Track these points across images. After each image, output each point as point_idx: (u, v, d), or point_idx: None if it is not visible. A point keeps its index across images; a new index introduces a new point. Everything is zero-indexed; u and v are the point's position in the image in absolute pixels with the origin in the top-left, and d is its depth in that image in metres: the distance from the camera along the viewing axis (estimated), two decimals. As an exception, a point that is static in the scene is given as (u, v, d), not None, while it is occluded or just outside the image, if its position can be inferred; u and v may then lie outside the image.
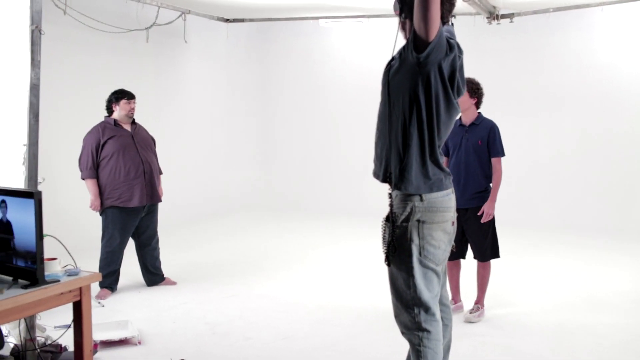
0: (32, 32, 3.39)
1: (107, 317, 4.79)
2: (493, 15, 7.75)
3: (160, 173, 5.70)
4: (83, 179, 5.34)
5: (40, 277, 2.86)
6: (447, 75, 2.67)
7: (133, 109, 5.44)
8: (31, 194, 2.81)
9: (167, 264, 5.88)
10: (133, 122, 5.52)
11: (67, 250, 3.17)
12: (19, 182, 3.60)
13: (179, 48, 8.54)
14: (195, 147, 9.15)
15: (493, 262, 4.85)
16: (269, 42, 10.16)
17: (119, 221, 5.35)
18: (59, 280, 2.96)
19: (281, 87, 10.26)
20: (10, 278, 2.96)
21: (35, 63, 3.40)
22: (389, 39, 9.88)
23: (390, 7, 8.65)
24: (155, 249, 5.65)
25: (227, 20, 8.98)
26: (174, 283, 5.71)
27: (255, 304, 5.22)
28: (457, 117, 3.85)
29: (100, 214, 5.41)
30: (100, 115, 5.53)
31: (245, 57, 10.09)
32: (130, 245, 5.58)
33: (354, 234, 8.14)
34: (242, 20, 9.05)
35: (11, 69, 4.05)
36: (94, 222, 5.61)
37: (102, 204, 5.33)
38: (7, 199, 2.93)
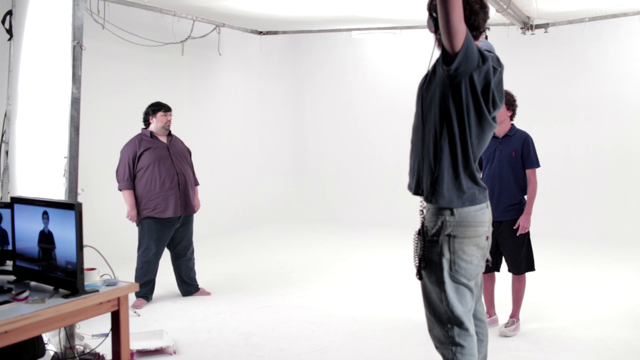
0: (74, 47, 3.48)
1: (143, 326, 4.85)
2: (527, 26, 7.69)
3: (196, 184, 5.77)
4: (120, 190, 5.43)
5: (80, 287, 2.91)
6: (479, 87, 2.65)
7: (169, 121, 5.53)
8: (72, 206, 2.87)
9: (201, 274, 5.94)
10: (169, 134, 5.60)
11: (105, 260, 3.22)
12: (59, 193, 3.69)
13: (213, 60, 8.66)
14: (228, 158, 9.24)
15: (528, 275, 4.79)
16: (301, 54, 10.24)
17: (155, 232, 5.43)
18: (98, 290, 3.01)
19: (314, 98, 10.32)
20: (51, 287, 3.03)
21: (76, 78, 3.49)
22: (422, 50, 9.89)
23: (424, 18, 8.62)
24: (191, 260, 5.71)
25: (260, 33, 9.08)
26: (208, 293, 5.76)
27: (288, 315, 5.23)
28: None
29: (137, 225, 5.49)
30: (137, 127, 5.63)
31: (278, 69, 10.18)
32: (166, 255, 5.65)
33: (386, 245, 8.11)
34: (275, 33, 9.15)
35: (53, 84, 4.17)
36: (130, 233, 5.70)
37: (138, 214, 5.41)
38: (49, 210, 3.00)
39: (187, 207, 5.53)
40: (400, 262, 7.05)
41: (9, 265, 3.49)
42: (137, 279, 5.39)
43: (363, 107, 9.89)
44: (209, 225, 7.99)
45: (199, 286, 5.77)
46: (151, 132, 5.50)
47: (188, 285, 5.70)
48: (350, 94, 9.98)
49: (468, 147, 2.68)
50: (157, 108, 5.50)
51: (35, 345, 3.20)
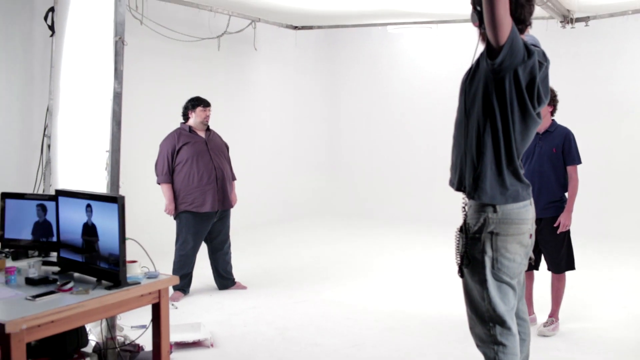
0: (116, 43, 3.52)
1: (180, 319, 4.90)
2: (567, 19, 7.54)
3: (234, 179, 5.81)
4: (159, 184, 5.50)
5: (123, 279, 2.96)
6: (524, 83, 2.60)
7: (208, 116, 5.57)
8: (115, 199, 2.92)
9: (237, 268, 5.97)
10: (208, 129, 5.65)
11: (146, 253, 3.26)
12: (101, 187, 3.74)
13: (249, 55, 8.69)
14: (263, 153, 9.28)
15: (568, 274, 4.71)
16: (337, 48, 10.22)
17: (192, 226, 5.48)
18: (139, 283, 3.05)
19: (349, 93, 10.29)
20: (94, 279, 3.08)
21: (118, 73, 3.53)
22: (459, 45, 9.78)
23: (460, 12, 8.52)
24: (227, 254, 5.75)
25: (295, 28, 9.08)
26: (244, 287, 5.80)
27: (324, 310, 5.23)
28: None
29: (175, 218, 5.55)
30: (175, 121, 5.69)
31: (314, 64, 10.18)
32: (203, 249, 5.69)
33: (420, 241, 8.06)
34: (310, 28, 9.14)
35: (94, 79, 4.23)
36: (168, 226, 5.75)
37: (176, 208, 5.47)
38: (93, 203, 3.05)
39: (224, 202, 5.57)
40: (435, 259, 7.01)
41: (53, 256, 3.57)
42: (174, 272, 5.45)
43: (398, 102, 9.82)
44: (244, 220, 8.02)
45: (235, 280, 5.81)
46: (190, 127, 5.54)
47: (224, 279, 5.75)
48: (386, 89, 9.92)
49: (512, 143, 2.64)
50: (196, 103, 5.54)
51: (79, 335, 3.26)
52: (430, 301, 5.46)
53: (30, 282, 3.05)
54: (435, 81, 9.35)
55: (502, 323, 2.67)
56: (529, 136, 2.72)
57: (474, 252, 2.68)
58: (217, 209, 5.51)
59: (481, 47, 2.69)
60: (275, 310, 5.21)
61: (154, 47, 7.21)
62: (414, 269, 6.63)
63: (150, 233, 6.11)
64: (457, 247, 2.73)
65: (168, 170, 5.45)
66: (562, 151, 4.56)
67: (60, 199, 3.24)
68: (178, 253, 5.51)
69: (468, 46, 9.09)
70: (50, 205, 3.44)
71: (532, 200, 2.78)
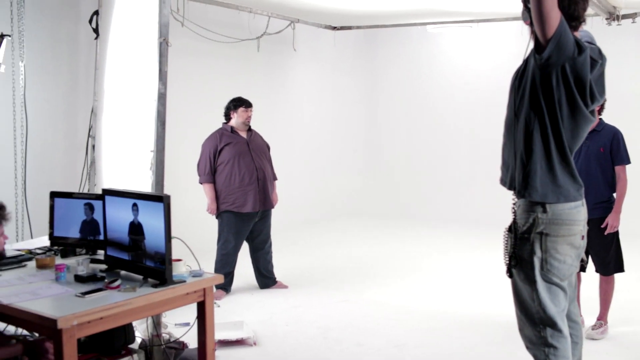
0: (160, 44, 3.56)
1: (223, 317, 4.92)
2: (613, 16, 7.35)
3: (275, 179, 5.83)
4: (201, 184, 5.55)
5: (169, 278, 2.98)
6: (572, 79, 2.53)
7: (250, 117, 5.60)
8: (161, 198, 2.95)
9: (278, 268, 5.98)
10: (249, 129, 5.67)
11: (191, 252, 3.28)
12: (146, 186, 3.79)
13: (287, 56, 8.71)
14: (302, 153, 9.29)
15: (617, 276, 4.59)
16: (375, 48, 10.16)
17: (234, 225, 5.51)
18: (185, 281, 3.07)
19: (387, 93, 10.22)
20: (140, 277, 3.12)
21: (162, 74, 3.57)
22: (499, 43, 9.63)
23: (502, 11, 8.36)
24: (268, 253, 5.77)
25: (334, 28, 9.07)
26: (285, 287, 5.81)
27: (366, 310, 5.21)
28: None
29: (216, 218, 5.59)
30: (215, 121, 5.73)
31: (352, 64, 10.15)
32: (244, 248, 5.72)
33: (461, 242, 7.96)
34: (349, 28, 9.11)
35: (138, 80, 4.30)
36: (210, 225, 5.79)
37: (217, 208, 5.51)
38: (139, 202, 3.08)
39: (265, 202, 5.59)
40: (477, 260, 6.92)
41: (100, 254, 3.62)
42: (216, 270, 5.49)
43: (437, 102, 9.72)
44: (284, 219, 8.03)
45: (277, 279, 5.83)
46: (232, 127, 5.58)
47: (266, 278, 5.76)
48: (425, 89, 9.82)
49: (563, 140, 2.58)
50: (238, 104, 5.58)
51: (126, 332, 3.30)
52: (472, 302, 5.39)
53: (79, 279, 3.10)
54: (475, 81, 9.23)
55: (553, 325, 2.61)
56: (580, 134, 2.65)
57: (523, 253, 2.63)
58: (258, 210, 5.53)
59: (531, 45, 2.63)
60: (317, 310, 5.21)
61: (195, 49, 7.27)
62: (455, 270, 6.55)
63: (192, 232, 6.19)
64: (506, 247, 2.68)
65: (210, 170, 5.49)
66: (610, 151, 4.44)
67: (107, 198, 3.29)
68: (220, 252, 5.56)
69: (508, 45, 9.08)
70: (98, 204, 3.49)
71: (584, 200, 2.71)
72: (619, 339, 4.46)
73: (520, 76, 2.66)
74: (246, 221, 5.55)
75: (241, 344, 4.37)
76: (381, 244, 7.97)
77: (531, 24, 2.55)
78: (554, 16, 2.39)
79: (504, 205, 9.44)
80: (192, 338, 3.85)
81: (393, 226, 9.11)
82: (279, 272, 5.94)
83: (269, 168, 5.73)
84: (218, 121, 5.73)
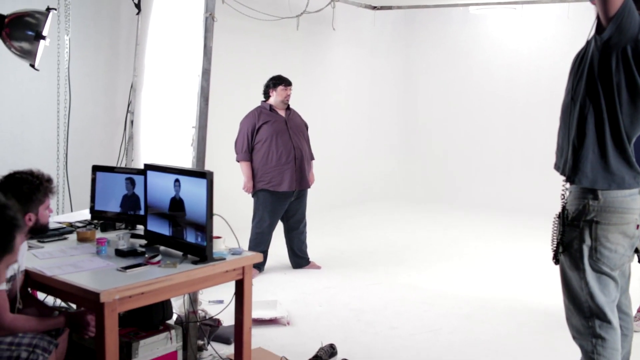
0: (206, 19, 3.53)
1: (257, 296, 4.91)
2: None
3: (312, 159, 5.80)
4: (238, 161, 5.54)
5: (209, 254, 2.98)
6: (634, 62, 2.43)
7: (289, 95, 5.56)
8: (204, 174, 2.93)
9: (311, 248, 5.97)
10: (288, 108, 5.64)
11: (231, 229, 3.28)
12: (187, 162, 3.79)
13: (327, 35, 8.63)
14: (338, 134, 9.23)
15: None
16: (415, 30, 9.98)
17: (269, 204, 5.51)
18: (224, 259, 3.07)
19: (427, 76, 10.06)
20: (180, 253, 3.12)
21: (207, 49, 3.55)
22: (544, 26, 9.38)
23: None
24: (303, 233, 5.76)
25: (374, 8, 8.96)
26: (318, 267, 5.80)
27: (399, 293, 5.18)
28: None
29: (252, 196, 5.59)
30: (254, 99, 5.71)
31: (391, 45, 10.00)
32: (278, 227, 5.72)
33: (495, 228, 7.87)
34: (389, 8, 8.99)
35: (180, 56, 4.29)
36: (246, 203, 5.80)
37: (254, 186, 5.50)
38: (181, 177, 3.08)
39: (302, 182, 5.57)
40: (514, 247, 6.84)
41: (139, 229, 3.64)
42: (250, 249, 5.49)
43: (477, 86, 9.53)
44: (318, 200, 8.02)
45: (310, 259, 5.82)
46: (270, 106, 5.55)
47: (299, 257, 5.77)
48: (464, 73, 9.63)
49: (620, 126, 2.49)
50: (278, 82, 5.54)
51: (165, 308, 3.32)
52: (508, 290, 5.32)
53: (119, 253, 3.12)
54: (518, 65, 9.03)
55: (602, 315, 2.54)
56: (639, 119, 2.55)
57: (572, 240, 2.55)
58: (294, 189, 5.52)
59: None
60: (350, 292, 5.19)
61: (235, 26, 7.23)
62: (490, 256, 6.47)
63: (228, 209, 6.21)
64: (554, 233, 2.61)
65: (247, 148, 5.48)
66: None
67: (149, 173, 3.29)
68: (254, 231, 5.56)
69: (553, 28, 8.82)
70: (139, 179, 3.50)
71: None
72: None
73: (580, 59, 2.56)
74: (282, 200, 5.54)
75: (275, 322, 4.38)
76: (415, 228, 7.91)
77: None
78: None
79: (540, 191, 9.33)
80: (226, 316, 3.89)
81: (427, 210, 9.04)
82: (312, 252, 5.94)
83: (306, 147, 5.71)
84: (256, 99, 5.71)
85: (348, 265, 5.99)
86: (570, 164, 2.58)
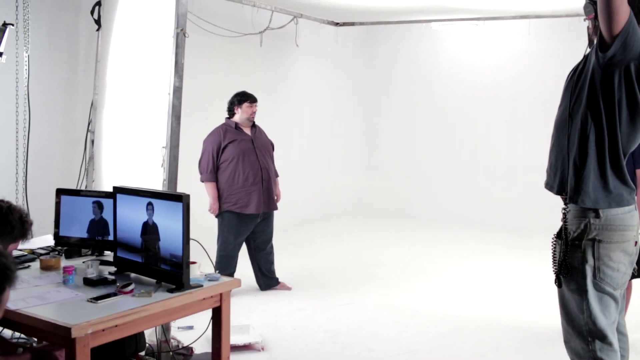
0: (177, 35, 3.40)
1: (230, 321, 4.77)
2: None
3: (277, 176, 5.67)
4: (202, 182, 5.36)
5: (186, 282, 2.83)
6: (637, 79, 2.39)
7: (254, 112, 5.41)
8: (180, 197, 2.79)
9: (278, 268, 5.77)
10: (253, 125, 5.50)
11: (207, 254, 3.15)
12: (156, 184, 3.63)
13: (290, 51, 8.55)
14: (301, 150, 9.13)
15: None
16: (378, 45, 9.99)
17: (234, 226, 5.33)
18: (202, 286, 2.92)
19: (389, 90, 10.06)
20: (153, 281, 2.96)
21: (179, 66, 3.42)
22: (505, 43, 9.45)
23: (509, 8, 8.20)
24: (270, 254, 5.60)
25: (337, 24, 8.94)
26: (289, 288, 5.65)
27: (373, 313, 5.08)
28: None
29: (216, 217, 5.41)
30: (215, 116, 5.55)
31: (354, 61, 9.98)
32: (243, 249, 5.54)
33: (462, 243, 7.85)
34: (352, 24, 8.99)
35: (147, 74, 4.13)
36: (211, 225, 5.61)
37: (219, 207, 5.33)
38: (154, 201, 2.92)
39: (269, 204, 5.42)
40: (480, 262, 6.83)
41: (107, 255, 3.46)
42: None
43: (439, 100, 9.58)
44: (282, 218, 7.87)
45: (279, 280, 5.67)
46: (236, 123, 5.40)
47: (268, 278, 5.60)
48: (426, 88, 9.68)
49: (618, 144, 2.44)
50: (243, 99, 5.39)
51: (137, 339, 3.14)
52: (482, 306, 5.27)
53: (88, 282, 2.93)
54: (479, 80, 9.12)
55: (603, 338, 2.48)
56: (637, 138, 2.51)
57: (573, 261, 2.49)
58: (261, 211, 5.36)
59: (587, 41, 2.50)
60: (323, 313, 5.06)
61: (197, 42, 7.05)
62: (460, 272, 6.43)
63: (203, 233, 6.03)
64: (553, 254, 2.55)
65: (213, 168, 5.31)
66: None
67: (119, 196, 3.12)
68: (219, 253, 5.37)
69: (514, 44, 8.89)
70: (107, 202, 3.33)
71: (636, 205, 2.58)
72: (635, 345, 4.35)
73: (578, 75, 2.52)
74: (248, 222, 5.38)
75: (249, 348, 4.21)
76: (382, 244, 7.84)
77: (595, 18, 2.40)
78: (623, 11, 2.25)
79: (505, 205, 9.36)
80: (197, 342, 3.73)
81: (392, 226, 8.98)
82: (279, 273, 5.76)
83: (272, 167, 5.57)
84: (218, 116, 5.54)
85: (318, 285, 5.86)
86: (572, 184, 2.52)
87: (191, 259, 3.08)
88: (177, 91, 3.42)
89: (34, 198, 4.68)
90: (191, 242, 2.89)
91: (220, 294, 3.01)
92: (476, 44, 9.20)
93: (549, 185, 2.67)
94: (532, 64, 8.54)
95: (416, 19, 8.49)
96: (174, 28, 3.42)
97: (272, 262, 5.64)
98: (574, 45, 2.55)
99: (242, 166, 5.29)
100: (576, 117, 2.50)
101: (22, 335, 3.35)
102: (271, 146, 5.66)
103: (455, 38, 9.40)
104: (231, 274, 5.40)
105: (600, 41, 2.35)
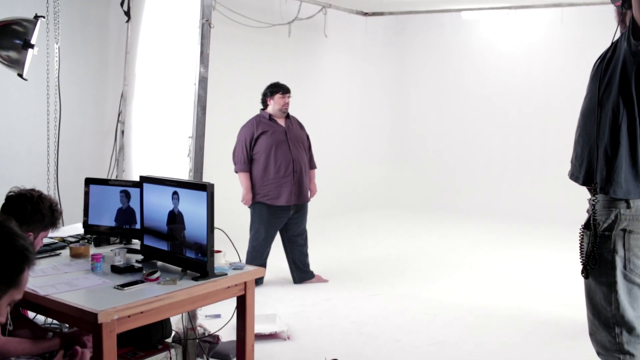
0: (202, 25, 3.42)
1: (255, 309, 4.79)
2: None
3: (314, 168, 5.66)
4: (236, 172, 5.39)
5: (210, 270, 2.85)
6: None
7: (287, 103, 5.40)
8: (204, 187, 2.81)
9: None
10: (287, 116, 5.49)
11: (232, 244, 3.16)
12: (183, 173, 3.66)
13: (318, 42, 8.53)
14: (330, 142, 9.08)
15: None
16: (407, 36, 9.91)
17: (265, 217, 5.35)
18: (226, 274, 2.94)
19: (418, 81, 9.98)
20: (179, 269, 2.99)
21: (204, 57, 3.43)
22: (538, 30, 9.29)
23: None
24: (304, 246, 5.59)
25: (366, 14, 8.88)
26: (325, 280, 5.61)
27: (400, 304, 5.07)
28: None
29: (249, 207, 5.43)
30: (245, 107, 5.57)
31: (383, 51, 9.91)
32: (277, 240, 5.56)
33: (491, 235, 7.77)
34: (381, 14, 8.92)
35: (174, 64, 4.16)
36: (246, 215, 5.62)
37: (252, 197, 5.35)
38: (180, 190, 2.95)
39: (300, 196, 5.41)
40: (511, 254, 6.76)
41: (134, 243, 3.51)
42: (247, 262, 5.34)
43: (469, 91, 9.47)
44: (310, 209, 7.91)
45: (314, 273, 5.65)
46: (269, 115, 5.40)
47: (303, 272, 5.58)
48: (457, 78, 9.56)
49: None
50: (275, 90, 5.38)
51: (163, 326, 3.19)
52: (510, 298, 5.22)
53: (116, 270, 2.98)
54: (510, 70, 8.99)
55: (631, 330, 2.43)
56: None
57: (603, 251, 2.45)
58: (292, 203, 5.36)
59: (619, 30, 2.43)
60: (350, 303, 5.07)
61: (226, 33, 7.11)
62: (489, 264, 6.37)
63: (226, 221, 6.07)
64: (581, 245, 2.50)
65: (246, 158, 5.32)
66: None
67: (145, 185, 3.15)
68: (251, 244, 5.41)
69: (546, 32, 8.74)
70: (134, 191, 3.37)
71: None
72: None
73: (607, 63, 2.45)
74: (279, 214, 5.38)
75: (275, 337, 4.24)
76: (410, 236, 7.81)
77: (622, 5, 2.34)
78: None
79: (535, 197, 9.22)
80: (224, 330, 3.76)
81: (421, 218, 8.93)
82: (310, 263, 5.78)
83: (306, 159, 5.54)
84: (249, 106, 5.56)
85: (346, 276, 5.86)
86: (603, 174, 2.47)
87: (217, 248, 3.11)
88: (203, 81, 3.43)
89: (65, 188, 4.76)
90: (216, 231, 2.92)
91: (245, 283, 3.03)
92: (507, 33, 9.05)
93: (574, 176, 2.62)
94: (565, 53, 8.38)
95: (446, 8, 8.39)
96: (199, 19, 3.43)
97: (306, 255, 5.62)
98: (608, 34, 2.47)
99: (274, 157, 5.29)
100: (606, 106, 2.44)
101: (55, 321, 3.41)
102: (306, 138, 5.64)
103: (486, 27, 9.26)
104: (262, 265, 5.42)
105: (633, 28, 2.29)
